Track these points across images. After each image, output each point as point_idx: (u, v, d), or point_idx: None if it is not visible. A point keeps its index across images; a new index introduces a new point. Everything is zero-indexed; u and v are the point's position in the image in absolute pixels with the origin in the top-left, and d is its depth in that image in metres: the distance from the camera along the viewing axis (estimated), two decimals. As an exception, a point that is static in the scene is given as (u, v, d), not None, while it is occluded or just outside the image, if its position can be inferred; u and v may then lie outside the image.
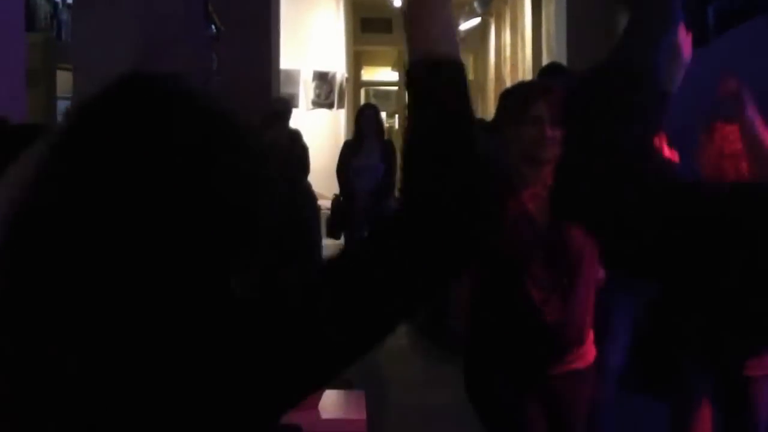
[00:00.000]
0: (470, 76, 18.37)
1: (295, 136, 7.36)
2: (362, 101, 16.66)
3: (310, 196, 7.24)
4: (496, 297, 3.00)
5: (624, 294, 4.14)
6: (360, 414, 3.62)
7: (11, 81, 2.46)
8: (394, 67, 18.04)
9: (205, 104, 1.06)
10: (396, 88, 17.99)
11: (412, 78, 1.15)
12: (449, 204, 1.07)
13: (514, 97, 3.05)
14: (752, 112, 2.88)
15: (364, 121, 7.92)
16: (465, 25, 15.09)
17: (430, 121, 1.12)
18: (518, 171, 2.95)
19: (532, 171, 2.92)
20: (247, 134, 1.08)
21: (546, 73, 5.19)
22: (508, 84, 10.13)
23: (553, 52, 8.74)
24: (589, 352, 3.09)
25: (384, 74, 18.85)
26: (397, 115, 17.91)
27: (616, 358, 4.37)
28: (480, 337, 3.11)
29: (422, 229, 1.06)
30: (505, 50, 13.32)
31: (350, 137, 9.03)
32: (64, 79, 10.15)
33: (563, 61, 7.94)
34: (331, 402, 3.62)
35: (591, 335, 3.08)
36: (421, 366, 6.82)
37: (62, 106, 11.52)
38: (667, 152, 3.36)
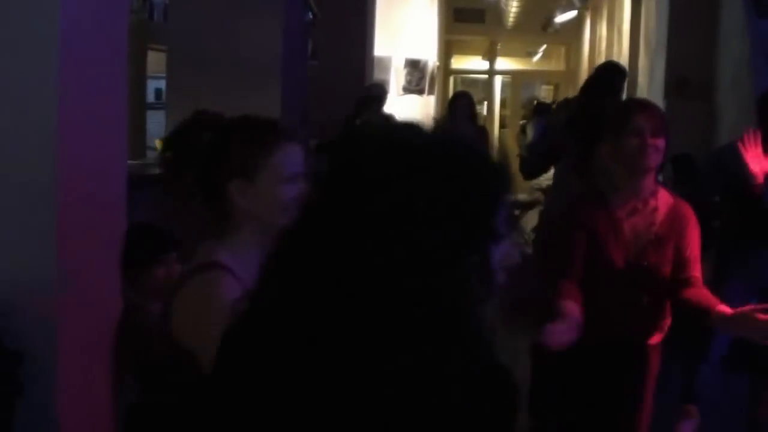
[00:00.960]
0: (562, 66, 18.16)
1: (389, 119, 7.40)
2: (451, 89, 16.58)
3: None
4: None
5: (734, 285, 4.22)
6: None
7: (114, 61, 2.50)
8: (485, 56, 17.91)
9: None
10: (485, 76, 17.87)
11: None
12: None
13: (615, 111, 3.17)
14: None
15: (459, 107, 7.96)
16: (561, 18, 14.92)
17: None
18: (617, 182, 3.04)
19: (632, 181, 3.01)
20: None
21: (605, 73, 5.06)
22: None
23: (652, 47, 8.61)
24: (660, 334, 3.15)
25: (473, 63, 18.70)
26: (485, 102, 17.75)
27: (720, 348, 4.48)
28: None
29: None
30: (600, 43, 13.24)
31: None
32: (153, 59, 10.39)
33: (662, 57, 7.81)
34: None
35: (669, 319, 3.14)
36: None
37: (152, 85, 11.71)
38: None
